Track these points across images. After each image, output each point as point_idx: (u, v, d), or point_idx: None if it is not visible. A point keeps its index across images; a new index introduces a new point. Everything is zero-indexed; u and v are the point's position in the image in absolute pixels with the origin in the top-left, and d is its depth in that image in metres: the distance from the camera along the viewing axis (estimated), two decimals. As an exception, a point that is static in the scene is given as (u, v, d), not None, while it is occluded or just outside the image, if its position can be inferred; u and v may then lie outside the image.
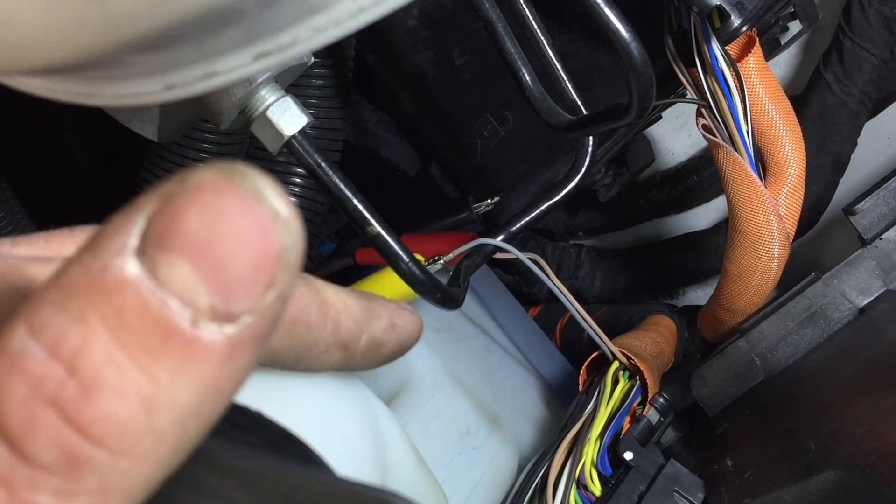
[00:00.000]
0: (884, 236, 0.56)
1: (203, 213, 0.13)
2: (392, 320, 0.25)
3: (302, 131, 0.38)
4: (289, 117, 0.36)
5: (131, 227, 0.14)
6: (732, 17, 0.49)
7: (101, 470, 0.13)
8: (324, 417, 0.26)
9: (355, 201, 0.38)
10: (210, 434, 0.20)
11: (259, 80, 0.36)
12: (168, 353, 0.13)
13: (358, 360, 0.24)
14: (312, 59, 0.39)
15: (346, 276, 0.65)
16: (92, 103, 0.24)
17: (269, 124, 0.36)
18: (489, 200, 0.62)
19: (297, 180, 0.53)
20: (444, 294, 0.41)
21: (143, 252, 0.13)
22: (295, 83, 0.43)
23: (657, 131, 0.77)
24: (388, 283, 0.52)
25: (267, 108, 0.36)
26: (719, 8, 0.49)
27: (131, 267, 0.13)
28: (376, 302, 0.24)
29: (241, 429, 0.20)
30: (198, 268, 0.13)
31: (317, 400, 0.27)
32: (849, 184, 0.68)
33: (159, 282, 0.13)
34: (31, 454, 0.13)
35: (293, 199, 0.53)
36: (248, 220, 0.13)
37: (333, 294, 0.23)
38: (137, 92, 0.23)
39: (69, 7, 0.16)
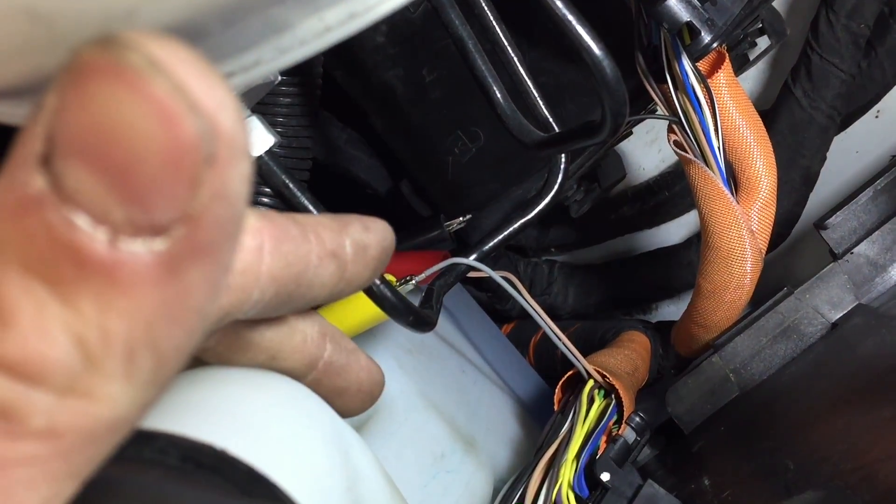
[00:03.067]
0: (855, 250, 0.56)
1: (87, 106, 0.11)
2: (363, 223, 0.24)
3: (269, 151, 0.37)
4: (255, 137, 0.35)
5: (36, 127, 0.11)
6: (703, 34, 0.49)
7: (45, 410, 0.11)
8: (293, 451, 0.25)
9: (324, 223, 0.37)
10: (172, 476, 0.19)
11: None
12: (85, 281, 0.11)
13: (351, 270, 0.23)
14: (279, 78, 0.38)
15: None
16: (45, 127, 0.22)
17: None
18: (461, 218, 0.61)
19: (266, 200, 0.52)
20: (417, 316, 0.40)
21: (49, 159, 0.11)
22: (261, 102, 0.42)
23: (627, 146, 0.77)
24: (360, 304, 0.51)
25: (232, 129, 0.35)
26: (689, 24, 0.49)
27: (35, 180, 0.11)
28: (341, 214, 0.24)
29: (206, 469, 0.19)
30: (101, 174, 0.11)
31: (286, 432, 0.26)
32: (818, 198, 0.68)
33: (66, 196, 0.11)
34: None
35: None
36: (138, 106, 0.11)
37: (300, 215, 0.23)
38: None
39: (13, 29, 0.15)
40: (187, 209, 0.11)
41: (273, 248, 0.21)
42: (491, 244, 0.50)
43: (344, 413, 0.28)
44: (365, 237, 0.24)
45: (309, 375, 0.27)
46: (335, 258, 0.23)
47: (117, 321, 0.12)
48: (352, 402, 0.28)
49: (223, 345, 0.24)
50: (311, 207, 0.37)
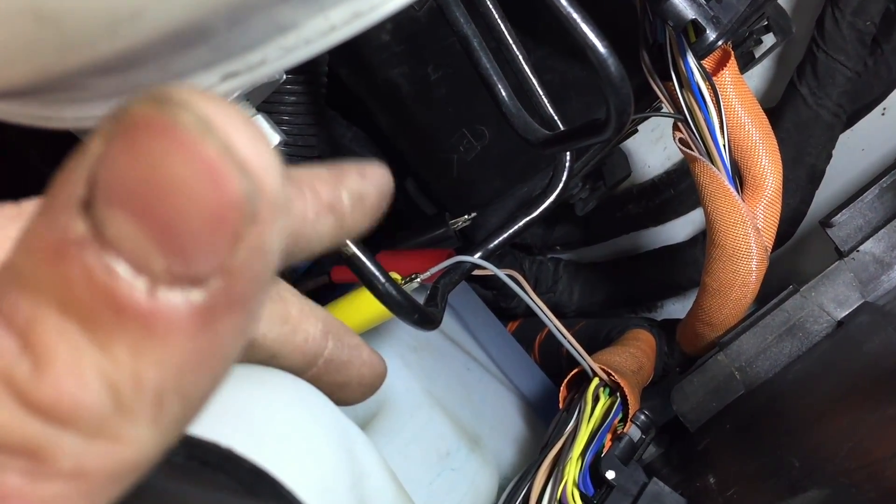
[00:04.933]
0: (860, 248, 0.56)
1: (136, 159, 0.11)
2: (360, 172, 0.24)
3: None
4: (260, 136, 0.35)
5: (78, 172, 0.11)
6: (708, 31, 0.49)
7: (73, 452, 0.12)
8: (298, 449, 0.25)
9: (330, 221, 0.37)
10: (178, 474, 0.19)
11: (229, 99, 0.35)
12: (122, 328, 0.12)
13: (350, 220, 0.23)
14: (284, 76, 0.38)
15: (322, 293, 0.64)
16: (52, 126, 0.23)
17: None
18: (466, 216, 0.61)
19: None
20: (422, 314, 0.40)
21: (90, 205, 0.11)
22: (266, 100, 0.42)
23: (633, 144, 0.77)
24: (365, 303, 0.51)
25: (238, 127, 0.35)
26: (694, 22, 0.49)
27: (76, 225, 0.11)
28: (335, 165, 0.24)
29: (211, 467, 0.19)
30: (145, 225, 0.11)
31: (290, 430, 0.26)
32: (824, 196, 0.68)
33: (107, 243, 0.11)
34: None
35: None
36: (188, 165, 0.11)
37: (294, 169, 0.23)
38: (100, 115, 0.22)
39: (21, 29, 0.15)
40: (226, 263, 0.12)
41: None
42: (496, 242, 0.50)
43: (343, 403, 0.28)
44: (361, 186, 0.24)
45: (308, 372, 0.27)
46: (333, 211, 0.22)
47: (150, 368, 0.12)
48: (352, 394, 0.28)
49: None
50: (316, 206, 0.37)
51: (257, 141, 0.12)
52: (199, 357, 0.12)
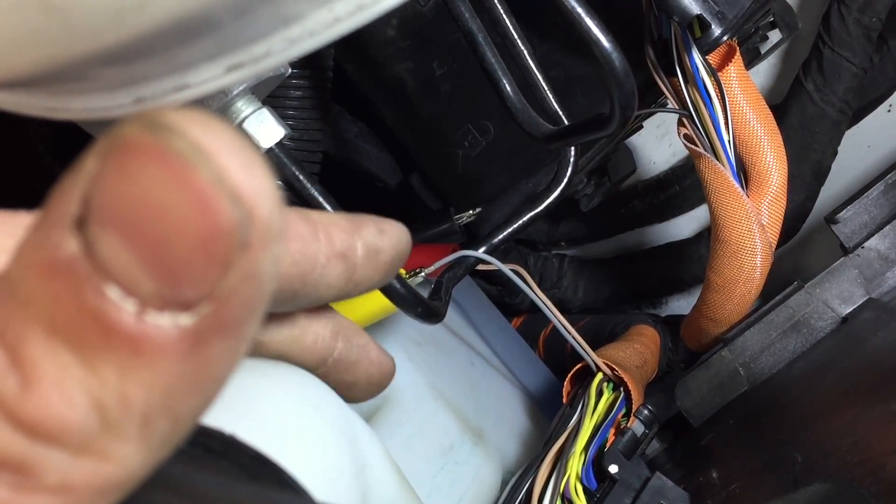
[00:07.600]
0: (865, 245, 0.56)
1: (129, 183, 0.11)
2: (379, 226, 0.24)
3: (279, 143, 0.37)
4: (265, 129, 0.36)
5: (74, 189, 0.11)
6: (713, 27, 0.49)
7: (59, 468, 0.12)
8: (301, 438, 0.25)
9: (334, 214, 0.37)
10: (182, 460, 0.19)
11: (235, 92, 0.35)
12: (110, 349, 0.12)
13: (360, 273, 0.23)
14: (290, 70, 0.39)
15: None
16: (59, 117, 0.23)
17: (246, 137, 0.36)
18: (471, 211, 0.61)
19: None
20: (426, 308, 0.40)
21: (83, 223, 0.11)
22: (272, 94, 0.43)
23: (638, 140, 0.77)
24: (369, 296, 0.51)
25: (243, 121, 0.35)
26: (700, 17, 0.49)
27: (69, 243, 0.11)
28: (357, 214, 0.24)
29: (214, 454, 0.20)
30: (136, 249, 0.11)
31: (294, 419, 0.26)
32: (830, 192, 0.68)
33: (98, 263, 0.11)
34: None
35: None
36: (179, 192, 0.11)
37: (314, 212, 0.23)
38: (105, 105, 0.22)
39: (27, 19, 0.15)
40: (216, 289, 0.12)
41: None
42: (500, 237, 0.50)
43: (351, 401, 0.28)
44: (378, 240, 0.23)
45: (317, 371, 0.27)
46: (344, 260, 0.22)
47: (137, 389, 0.12)
48: (360, 393, 0.28)
49: None
50: (320, 199, 0.37)
51: (251, 167, 0.12)
52: (189, 379, 0.12)
